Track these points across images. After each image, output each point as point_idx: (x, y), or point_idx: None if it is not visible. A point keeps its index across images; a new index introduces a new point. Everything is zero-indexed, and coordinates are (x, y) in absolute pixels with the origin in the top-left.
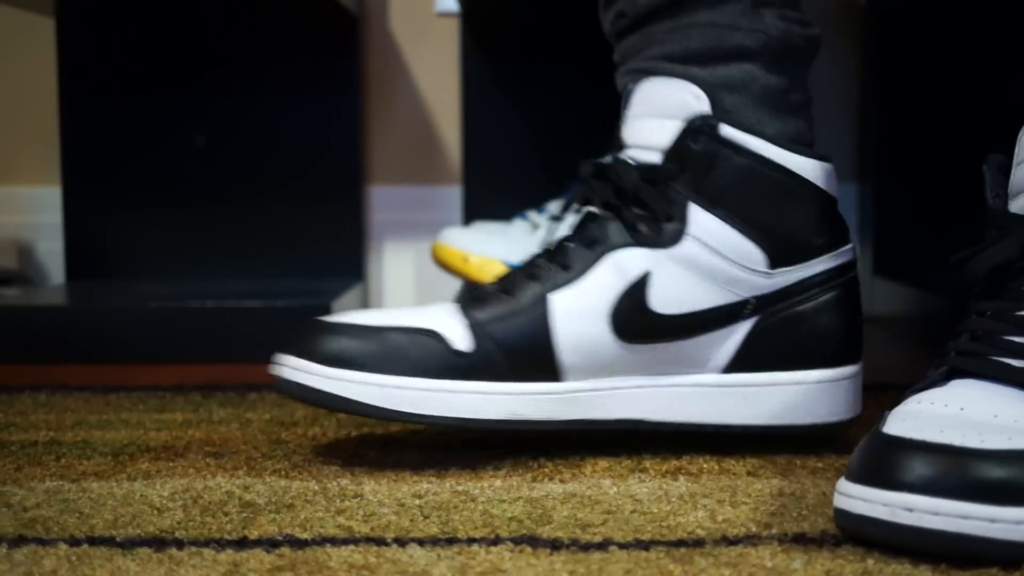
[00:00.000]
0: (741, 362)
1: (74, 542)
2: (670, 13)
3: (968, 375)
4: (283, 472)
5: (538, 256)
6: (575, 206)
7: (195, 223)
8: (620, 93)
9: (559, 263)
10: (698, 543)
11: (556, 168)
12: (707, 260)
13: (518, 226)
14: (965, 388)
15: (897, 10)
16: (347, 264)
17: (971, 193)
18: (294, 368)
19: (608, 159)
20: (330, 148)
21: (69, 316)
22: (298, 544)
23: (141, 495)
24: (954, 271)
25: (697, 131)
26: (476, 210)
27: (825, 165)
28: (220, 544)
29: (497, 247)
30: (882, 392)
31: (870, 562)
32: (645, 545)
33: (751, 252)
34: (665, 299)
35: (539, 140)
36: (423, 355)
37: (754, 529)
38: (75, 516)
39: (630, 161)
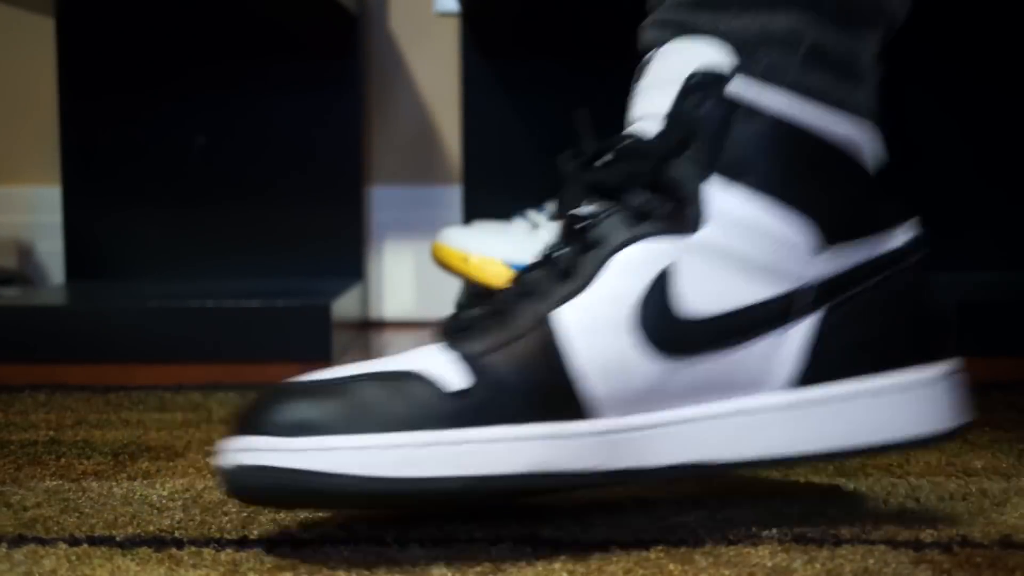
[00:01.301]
0: (812, 370)
1: (74, 542)
2: None
3: None
4: None
5: (527, 270)
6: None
7: (195, 223)
8: (640, 56)
9: (556, 274)
10: (698, 543)
11: (556, 168)
12: (738, 245)
13: (518, 226)
14: None
15: None
16: (347, 264)
17: (968, 192)
18: (241, 450)
19: (596, 144)
20: (330, 148)
21: (69, 316)
22: (298, 544)
23: (141, 495)
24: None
25: (698, 90)
26: (476, 210)
27: (868, 124)
28: (220, 544)
29: (497, 247)
30: None
31: (870, 562)
32: (645, 545)
33: (795, 229)
34: (696, 298)
35: (539, 140)
36: (406, 405)
37: (754, 529)
38: (75, 516)
39: (626, 139)
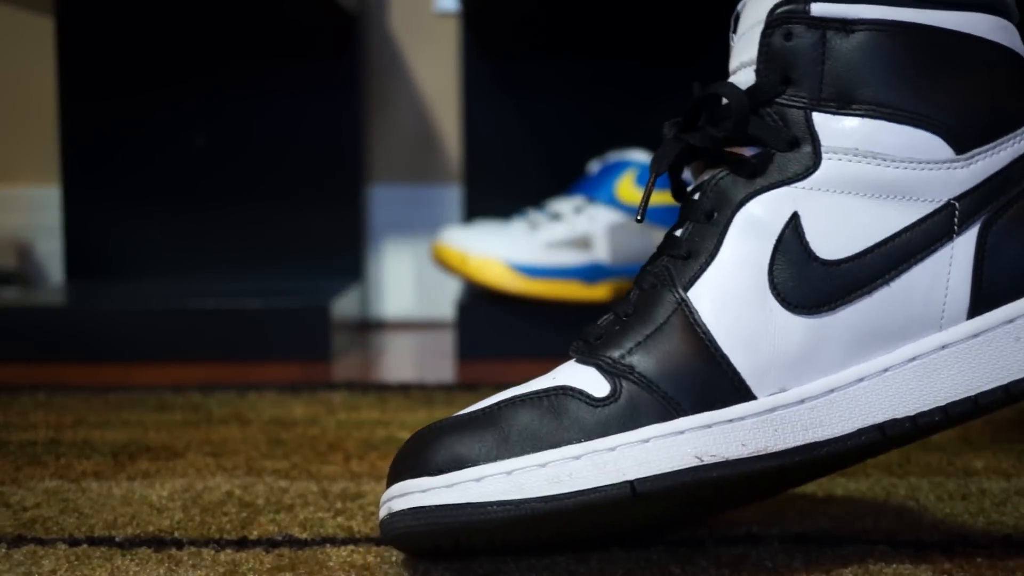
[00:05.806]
0: (982, 294)
1: (74, 542)
2: None
3: None
4: (283, 472)
5: (646, 265)
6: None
7: (195, 223)
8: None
9: (678, 255)
10: (698, 543)
11: (556, 167)
12: (864, 172)
13: (518, 225)
14: None
15: None
16: (347, 264)
17: None
18: (393, 496)
19: (691, 104)
20: (330, 148)
21: (69, 316)
22: (298, 544)
23: (141, 495)
24: None
25: (784, 22)
26: (476, 210)
27: (987, 17)
28: (220, 544)
29: (497, 247)
30: None
31: (870, 562)
32: (645, 545)
33: (923, 140)
34: (830, 241)
35: (539, 140)
36: (556, 422)
37: (754, 529)
38: (75, 516)
39: (721, 92)
